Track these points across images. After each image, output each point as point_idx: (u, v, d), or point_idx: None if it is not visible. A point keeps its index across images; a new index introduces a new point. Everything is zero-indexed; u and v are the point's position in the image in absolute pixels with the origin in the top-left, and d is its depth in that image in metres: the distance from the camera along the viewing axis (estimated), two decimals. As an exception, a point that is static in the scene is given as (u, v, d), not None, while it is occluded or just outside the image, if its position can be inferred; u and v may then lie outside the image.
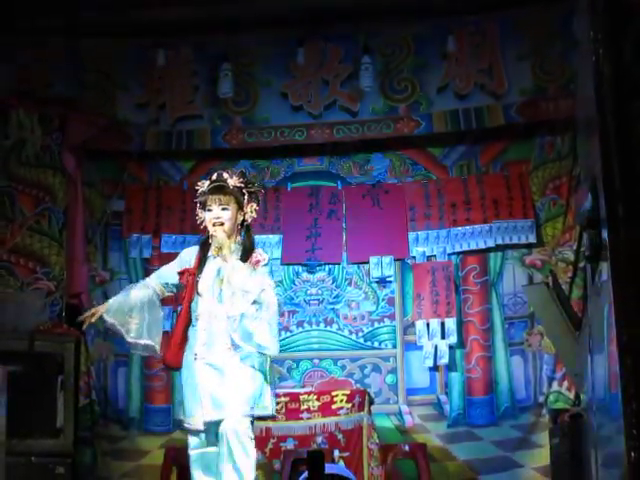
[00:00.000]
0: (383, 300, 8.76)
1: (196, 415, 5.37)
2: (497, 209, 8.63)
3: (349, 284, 8.81)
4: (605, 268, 3.30)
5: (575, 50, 7.93)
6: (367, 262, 8.75)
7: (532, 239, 8.50)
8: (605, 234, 3.18)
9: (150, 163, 9.05)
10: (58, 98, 8.54)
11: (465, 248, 8.65)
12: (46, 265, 8.48)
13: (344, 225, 8.85)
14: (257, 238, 5.86)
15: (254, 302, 5.31)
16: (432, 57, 8.63)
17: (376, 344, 8.69)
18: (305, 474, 5.29)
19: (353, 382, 8.45)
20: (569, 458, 6.16)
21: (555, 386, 8.10)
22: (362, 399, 7.40)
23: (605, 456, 3.92)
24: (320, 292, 8.80)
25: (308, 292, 8.78)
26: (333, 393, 7.44)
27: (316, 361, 8.57)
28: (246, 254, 5.51)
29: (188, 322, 5.55)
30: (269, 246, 8.59)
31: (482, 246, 8.61)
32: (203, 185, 5.67)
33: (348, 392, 7.52)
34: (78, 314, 8.28)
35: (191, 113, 8.83)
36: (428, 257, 8.71)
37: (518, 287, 8.45)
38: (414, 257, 8.73)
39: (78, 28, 8.43)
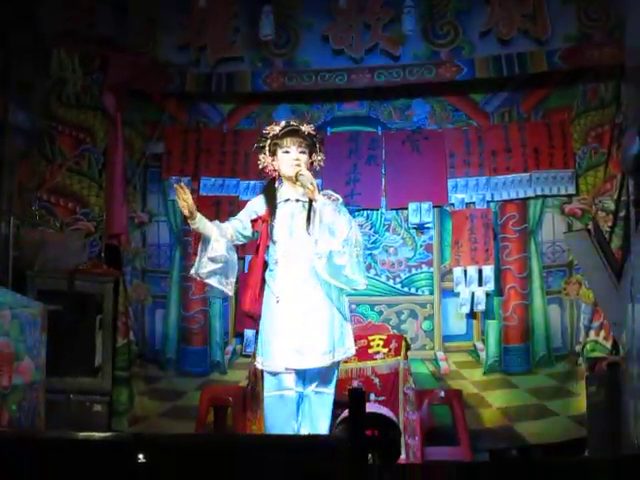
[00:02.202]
0: (421, 246, 8.73)
1: (276, 358, 5.38)
2: (538, 158, 8.56)
3: (387, 230, 8.79)
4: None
5: (622, -4, 7.86)
6: (406, 208, 8.72)
7: (572, 190, 8.43)
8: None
9: (190, 105, 9.01)
10: (100, 38, 8.51)
11: (505, 197, 8.61)
12: (86, 206, 8.52)
13: (383, 171, 8.80)
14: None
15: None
16: (475, 1, 8.54)
17: (413, 290, 8.69)
18: (344, 415, 5.32)
19: (390, 328, 8.45)
20: (605, 406, 6.16)
21: (592, 335, 8.07)
22: (398, 344, 7.41)
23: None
24: (358, 237, 8.77)
25: (346, 237, 8.72)
26: (370, 338, 7.45)
27: (353, 306, 8.48)
28: None
29: (264, 268, 5.58)
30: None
31: (522, 195, 8.56)
32: (273, 129, 5.65)
33: (385, 337, 7.52)
34: (117, 255, 8.45)
35: (232, 55, 8.77)
36: (467, 204, 8.67)
37: (557, 235, 8.40)
38: (453, 204, 8.69)
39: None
